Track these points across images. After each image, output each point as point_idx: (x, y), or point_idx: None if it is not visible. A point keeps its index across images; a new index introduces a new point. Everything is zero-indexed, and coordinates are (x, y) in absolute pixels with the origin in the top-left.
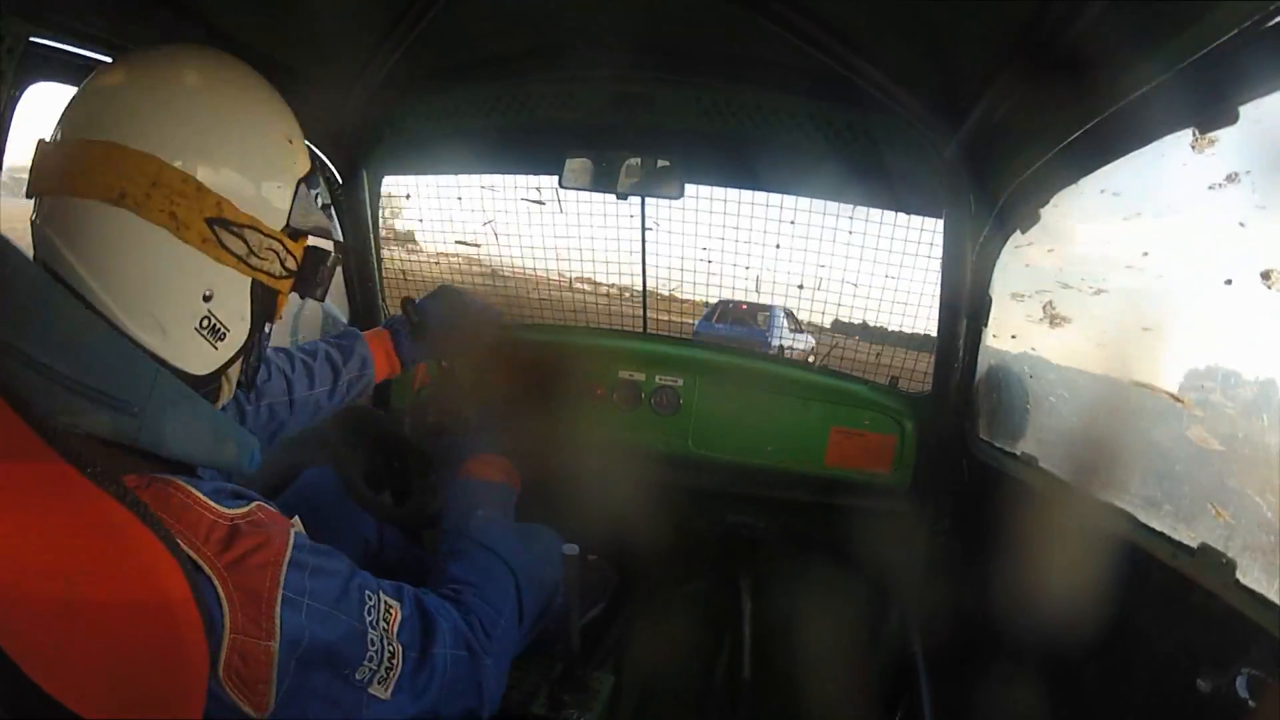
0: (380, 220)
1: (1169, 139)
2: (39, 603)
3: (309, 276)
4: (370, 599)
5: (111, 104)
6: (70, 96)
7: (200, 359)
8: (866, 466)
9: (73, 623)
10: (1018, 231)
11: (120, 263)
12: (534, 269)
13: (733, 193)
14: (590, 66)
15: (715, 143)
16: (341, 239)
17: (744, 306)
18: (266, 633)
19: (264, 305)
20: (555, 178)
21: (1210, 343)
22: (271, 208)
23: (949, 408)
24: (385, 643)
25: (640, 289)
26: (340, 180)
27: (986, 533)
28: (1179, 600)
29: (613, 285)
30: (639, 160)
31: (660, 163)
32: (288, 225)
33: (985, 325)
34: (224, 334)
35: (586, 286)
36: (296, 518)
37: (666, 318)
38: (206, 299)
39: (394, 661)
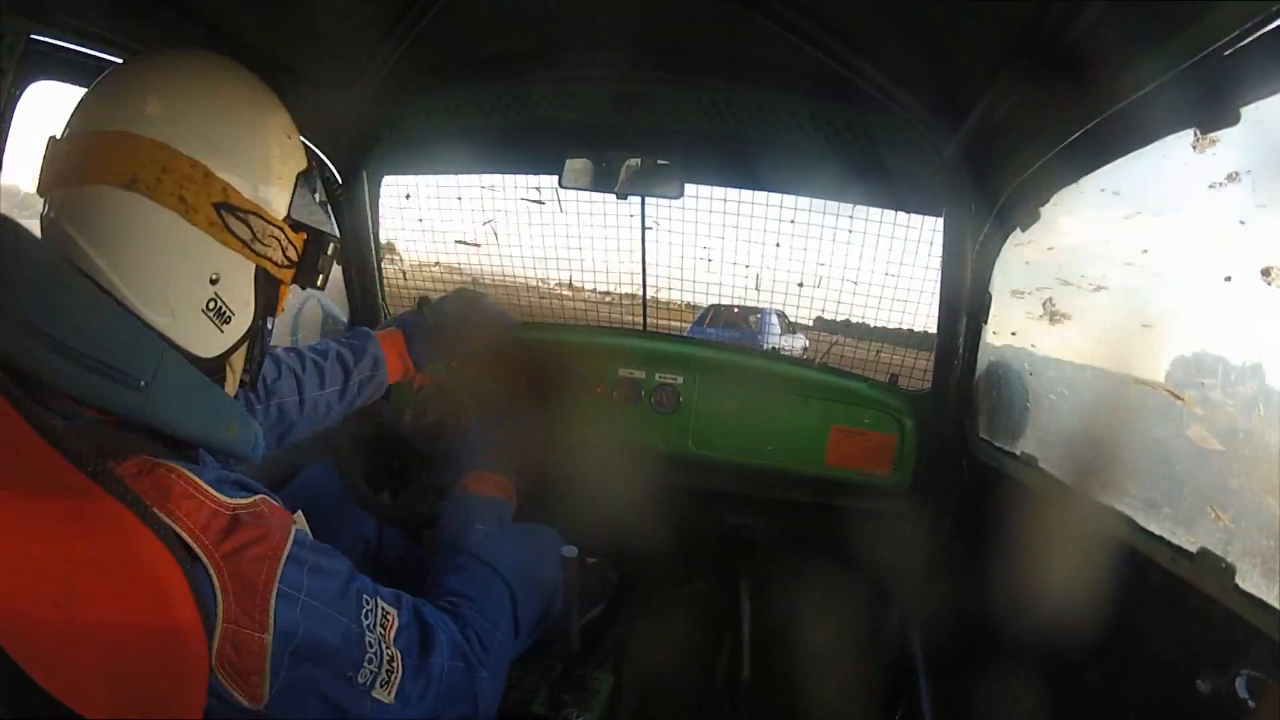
0: (380, 220)
1: (1170, 138)
2: (39, 602)
3: (309, 267)
4: (367, 603)
5: (123, 98)
6: (74, 95)
7: (206, 342)
8: (866, 467)
9: (73, 622)
10: (1018, 230)
11: (132, 245)
12: (534, 268)
13: (733, 192)
14: (590, 66)
15: (715, 142)
16: (338, 234)
17: (735, 310)
18: (260, 625)
19: (267, 294)
20: (555, 177)
21: (1210, 340)
22: (273, 198)
23: (949, 406)
24: (383, 646)
25: (640, 288)
26: (340, 180)
27: (986, 533)
28: (1178, 603)
29: (613, 284)
30: (639, 160)
31: (660, 162)
32: (288, 216)
33: (985, 323)
34: (229, 318)
35: (587, 285)
36: (300, 514)
37: (665, 322)
38: (213, 282)
39: (394, 665)
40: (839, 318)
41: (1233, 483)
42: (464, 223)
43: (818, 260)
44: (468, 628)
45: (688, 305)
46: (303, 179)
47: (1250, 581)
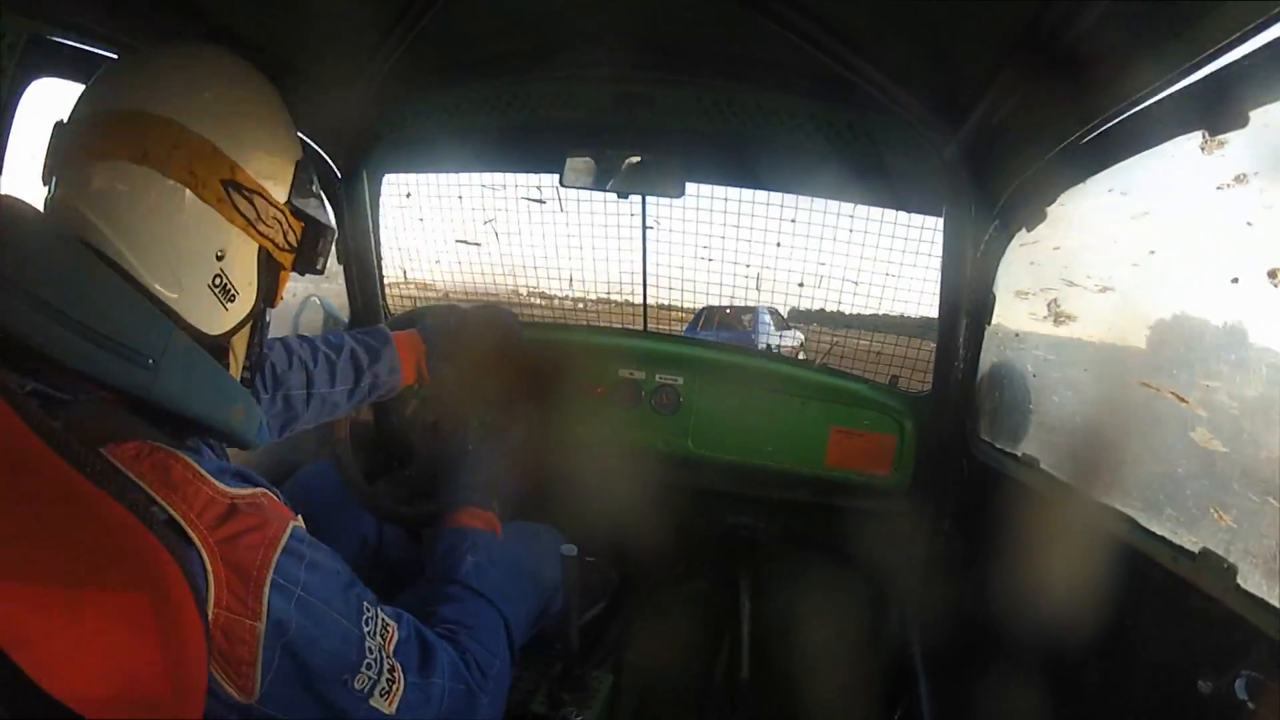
0: (380, 219)
1: (1178, 139)
2: (38, 603)
3: (308, 252)
4: (368, 609)
5: (133, 78)
6: (76, 93)
7: (211, 318)
8: (866, 467)
9: (73, 623)
10: (1023, 230)
11: (142, 218)
12: (534, 268)
13: (733, 191)
14: (591, 66)
15: (716, 142)
16: (334, 224)
17: (728, 310)
18: (252, 612)
19: (268, 277)
20: (556, 176)
21: (1215, 341)
22: (275, 181)
23: (949, 407)
24: (383, 655)
25: (640, 288)
26: (340, 175)
27: (986, 534)
28: (1179, 603)
29: (613, 284)
30: (640, 159)
31: (661, 162)
32: (289, 201)
33: (989, 323)
34: (234, 295)
35: (587, 285)
36: (300, 516)
37: (666, 326)
38: (219, 257)
39: (395, 676)
40: (839, 318)
41: (1236, 484)
42: (465, 222)
43: (818, 260)
44: (467, 653)
45: (688, 306)
46: (301, 168)
47: (1251, 581)
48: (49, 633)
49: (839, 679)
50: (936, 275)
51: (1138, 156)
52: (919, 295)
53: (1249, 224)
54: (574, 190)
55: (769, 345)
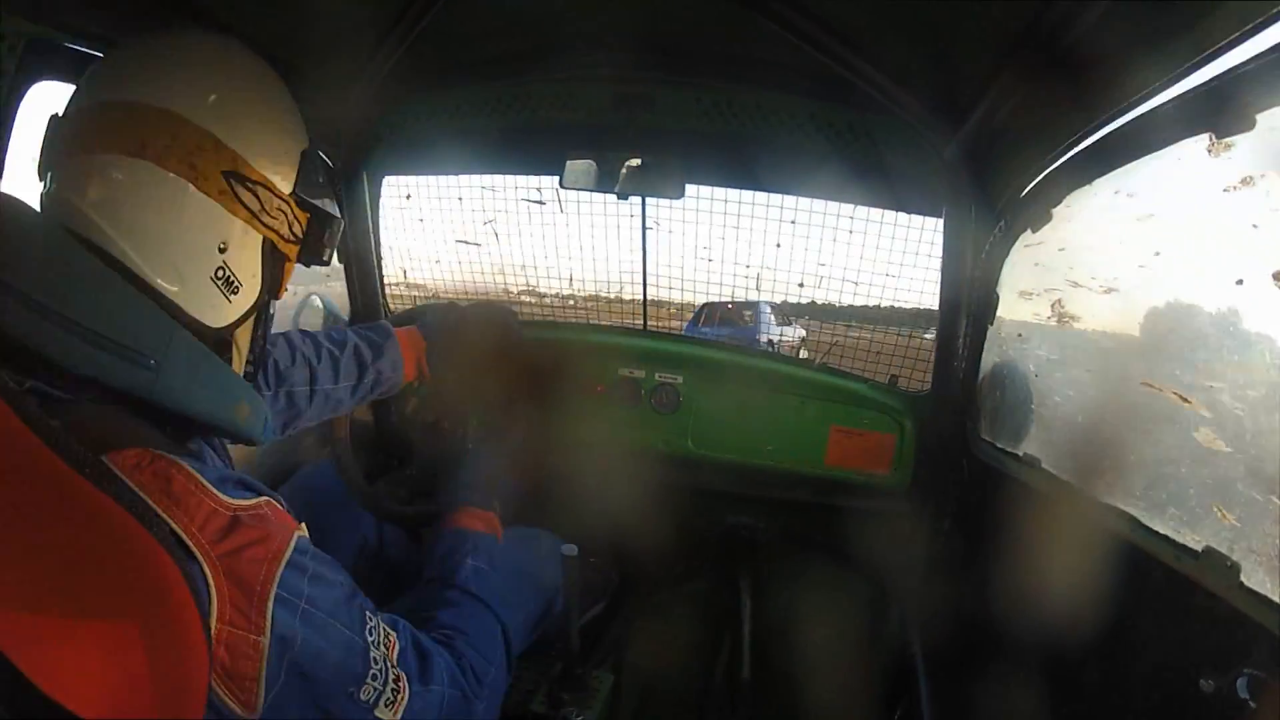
0: (380, 220)
1: (1184, 141)
2: (38, 604)
3: (314, 243)
4: (371, 619)
5: (130, 68)
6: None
7: (214, 311)
8: (866, 466)
9: (72, 624)
10: (1028, 230)
11: (141, 212)
12: (535, 268)
13: (733, 192)
14: (591, 67)
15: (716, 143)
16: (340, 215)
17: (729, 305)
18: (256, 626)
19: (273, 269)
20: (556, 178)
21: (1219, 343)
22: (280, 172)
23: (949, 407)
24: (388, 664)
25: (640, 289)
26: (340, 180)
27: (987, 533)
28: (1181, 601)
29: (613, 284)
30: (640, 160)
31: (661, 163)
32: (294, 192)
33: (991, 324)
34: (237, 288)
35: (587, 285)
36: (303, 525)
37: (666, 325)
38: (221, 250)
39: (400, 685)
40: (839, 317)
41: (1240, 485)
42: (465, 223)
43: (818, 260)
44: (462, 659)
45: (688, 305)
46: (306, 158)
47: (1254, 579)
48: (48, 634)
49: (839, 679)
50: (937, 275)
51: (1144, 159)
52: (919, 295)
53: (1255, 226)
54: (574, 191)
55: (771, 341)
